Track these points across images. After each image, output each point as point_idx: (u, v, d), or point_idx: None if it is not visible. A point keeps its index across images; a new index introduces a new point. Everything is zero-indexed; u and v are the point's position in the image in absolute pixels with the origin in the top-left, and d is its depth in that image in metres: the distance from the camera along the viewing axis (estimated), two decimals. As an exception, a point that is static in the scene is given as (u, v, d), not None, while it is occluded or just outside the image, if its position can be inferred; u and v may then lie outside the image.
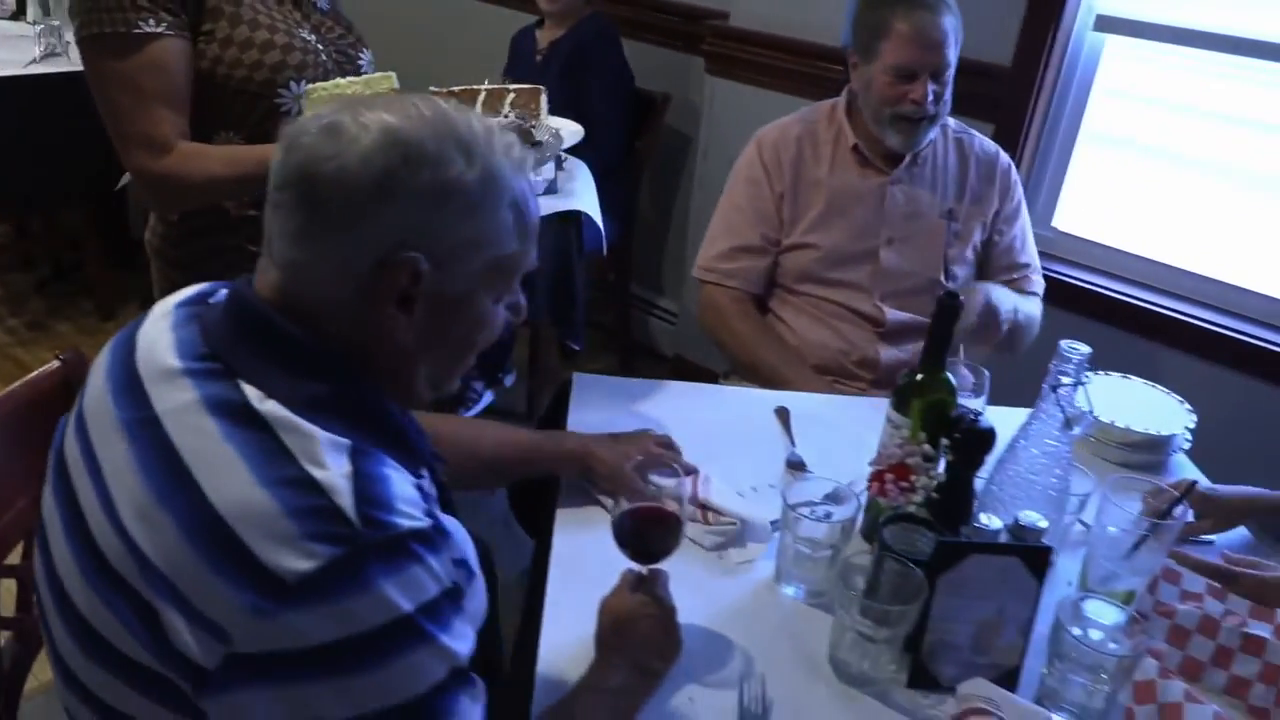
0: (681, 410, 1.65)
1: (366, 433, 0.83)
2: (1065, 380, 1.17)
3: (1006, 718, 1.03)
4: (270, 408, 0.80)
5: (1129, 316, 2.47)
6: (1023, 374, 1.67)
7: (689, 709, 1.09)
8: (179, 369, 0.83)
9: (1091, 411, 1.52)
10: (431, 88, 1.64)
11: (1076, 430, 1.22)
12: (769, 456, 1.56)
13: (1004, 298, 1.79)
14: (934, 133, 1.88)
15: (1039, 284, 2.03)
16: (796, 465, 1.53)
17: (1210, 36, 2.30)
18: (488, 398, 2.85)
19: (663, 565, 1.10)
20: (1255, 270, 2.38)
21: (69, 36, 3.10)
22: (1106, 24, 2.45)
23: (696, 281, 2.04)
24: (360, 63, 1.70)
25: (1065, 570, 1.34)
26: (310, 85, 1.51)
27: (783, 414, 1.66)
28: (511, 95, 1.58)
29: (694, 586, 1.23)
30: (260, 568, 0.73)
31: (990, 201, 1.95)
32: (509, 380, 2.97)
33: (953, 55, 1.80)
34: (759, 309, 2.02)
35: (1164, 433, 1.60)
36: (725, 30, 2.96)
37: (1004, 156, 1.99)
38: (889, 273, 1.91)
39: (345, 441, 0.80)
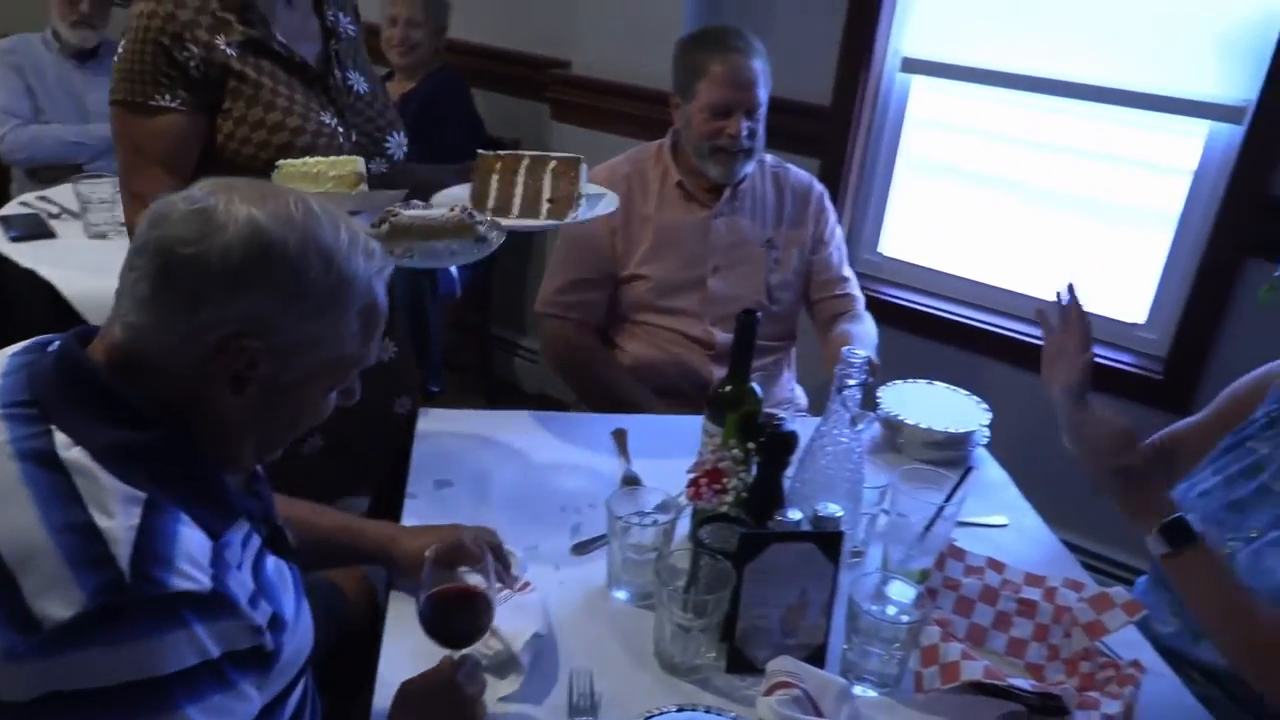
0: (526, 436, 1.74)
1: (171, 488, 0.84)
2: (850, 383, 1.30)
3: (808, 687, 1.14)
4: (74, 455, 0.82)
5: (947, 330, 2.69)
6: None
7: (521, 707, 1.16)
8: None
9: (876, 411, 1.67)
10: (479, 150, 1.68)
11: (861, 427, 1.35)
12: (608, 475, 1.65)
13: (869, 342, 1.97)
14: (750, 166, 2.03)
15: (860, 297, 2.20)
16: (631, 481, 1.62)
17: (1000, 75, 2.54)
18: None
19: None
20: (1052, 280, 2.62)
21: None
22: (911, 65, 2.68)
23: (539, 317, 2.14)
24: (387, 146, 1.75)
25: (875, 558, 1.47)
26: (281, 161, 1.57)
27: (620, 435, 1.76)
28: (553, 164, 1.65)
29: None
30: (24, 610, 0.75)
31: (806, 227, 2.11)
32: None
33: (763, 95, 1.97)
34: (600, 339, 2.12)
35: (963, 430, 1.76)
36: (567, 79, 3.10)
37: (817, 185, 2.16)
38: (717, 298, 2.04)
39: (141, 495, 0.82)
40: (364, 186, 1.62)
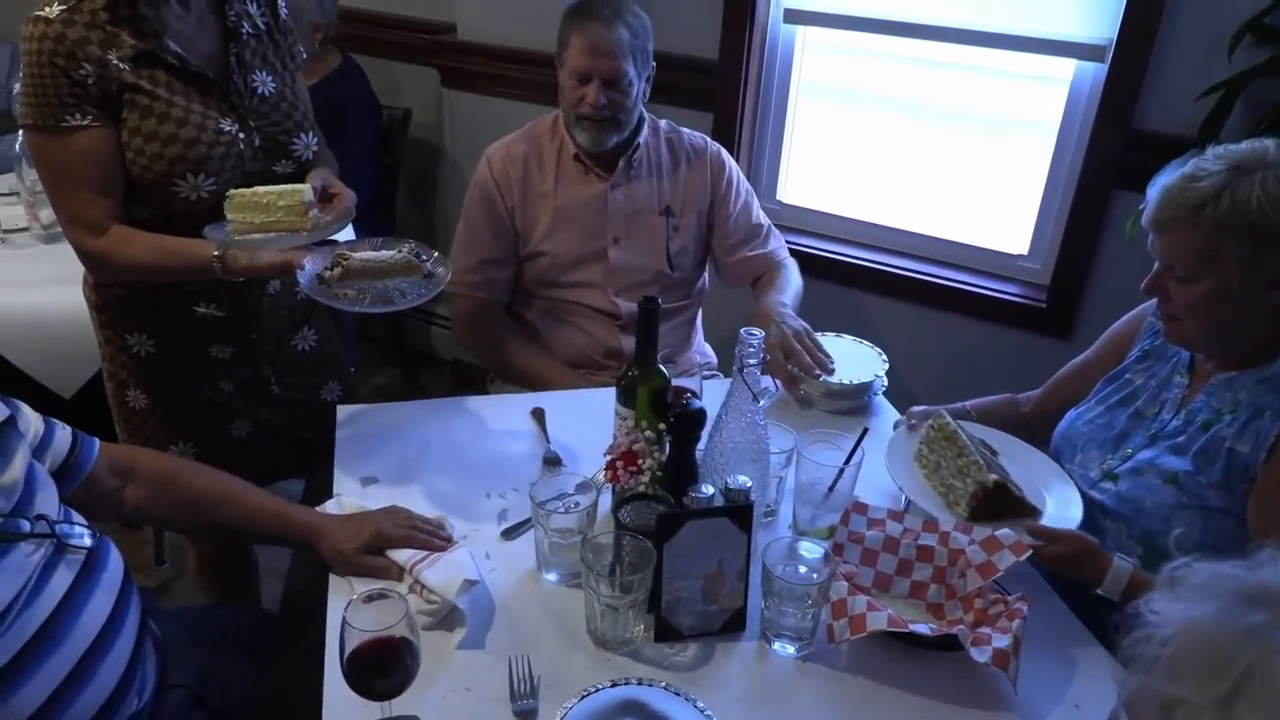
0: (446, 424, 1.79)
1: None
2: (750, 362, 1.38)
3: None
4: None
5: (847, 273, 2.79)
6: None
7: (465, 699, 1.23)
8: None
9: (776, 386, 1.76)
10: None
11: (764, 402, 1.43)
12: (529, 456, 1.71)
13: (786, 313, 1.95)
14: (619, 137, 2.03)
15: (779, 240, 2.27)
16: (553, 461, 1.68)
17: (879, 22, 2.61)
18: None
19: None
20: (944, 221, 2.75)
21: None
22: (794, 16, 2.72)
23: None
24: (294, 148, 1.73)
25: (787, 515, 1.56)
26: (232, 190, 1.59)
27: (538, 414, 1.81)
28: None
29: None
30: None
31: (704, 189, 2.16)
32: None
33: (629, 67, 1.96)
34: (509, 315, 2.16)
35: (863, 380, 1.86)
36: (454, 44, 3.06)
37: (712, 145, 2.20)
38: (619, 269, 2.09)
39: None
40: (314, 212, 1.63)
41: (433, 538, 1.41)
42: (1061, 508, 1.49)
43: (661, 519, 1.28)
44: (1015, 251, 2.67)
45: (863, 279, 2.79)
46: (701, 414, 1.41)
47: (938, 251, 2.76)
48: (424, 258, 1.62)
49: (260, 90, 1.68)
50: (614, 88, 1.96)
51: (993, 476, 1.44)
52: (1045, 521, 1.45)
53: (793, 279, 2.18)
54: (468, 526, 1.52)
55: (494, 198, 2.08)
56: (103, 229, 1.59)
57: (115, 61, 1.52)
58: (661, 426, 1.42)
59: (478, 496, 1.60)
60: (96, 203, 1.57)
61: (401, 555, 1.38)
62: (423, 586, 1.35)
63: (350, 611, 1.09)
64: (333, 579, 1.40)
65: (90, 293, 1.77)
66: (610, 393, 1.57)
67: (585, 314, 2.10)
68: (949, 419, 1.54)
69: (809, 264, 2.80)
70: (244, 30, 1.67)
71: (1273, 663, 0.65)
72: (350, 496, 1.55)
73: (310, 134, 1.76)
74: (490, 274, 2.11)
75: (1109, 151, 2.37)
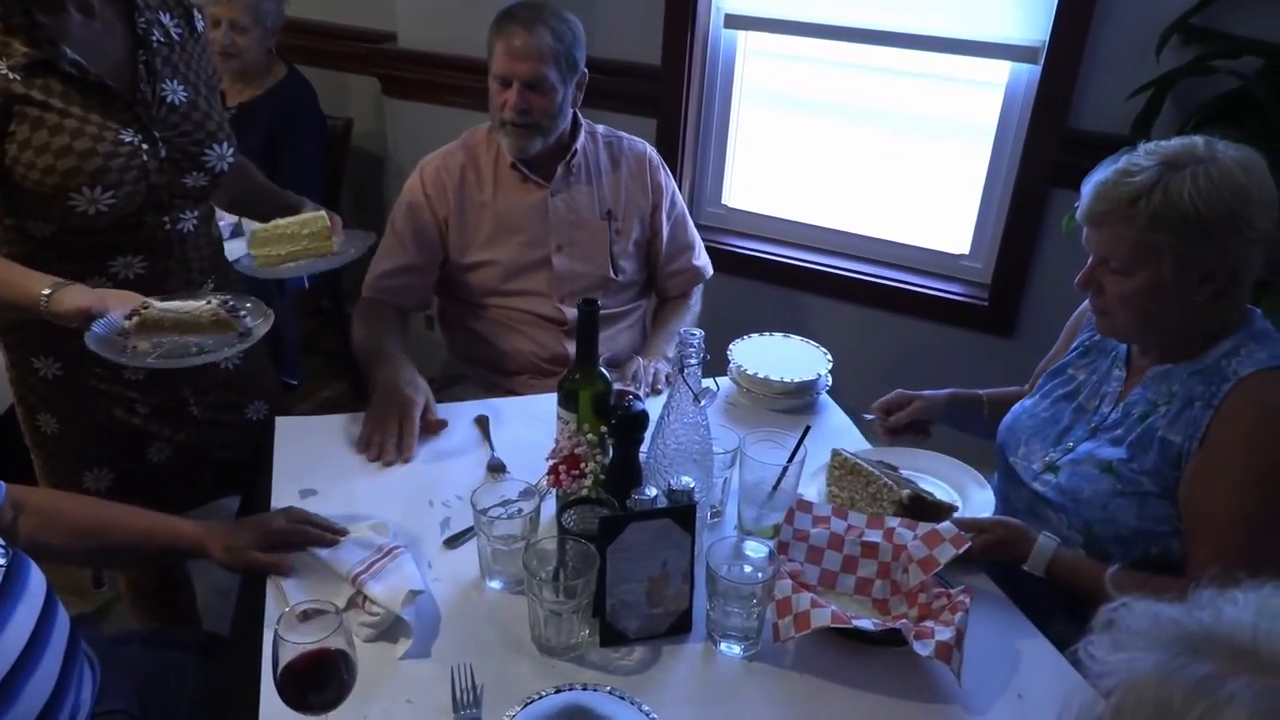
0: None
1: None
2: (691, 362, 1.37)
3: None
4: None
5: (791, 275, 2.81)
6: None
7: (408, 711, 1.20)
8: None
9: (729, 366, 1.76)
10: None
11: (705, 403, 1.42)
12: (472, 464, 1.69)
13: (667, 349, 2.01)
14: (543, 143, 2.01)
15: (703, 258, 2.28)
16: (497, 468, 1.67)
17: (818, 27, 2.63)
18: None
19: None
20: (886, 222, 2.78)
21: None
22: (734, 21, 2.74)
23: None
24: (206, 159, 1.65)
25: (733, 515, 1.56)
26: (257, 227, 1.56)
27: (482, 422, 1.80)
28: None
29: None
30: None
31: (646, 194, 2.15)
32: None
33: (550, 71, 1.94)
34: (442, 324, 2.18)
35: (807, 379, 1.87)
36: (395, 53, 3.04)
37: (651, 151, 2.19)
38: (563, 276, 2.08)
39: None
40: (339, 235, 1.59)
41: (325, 534, 1.41)
42: (975, 495, 1.59)
43: (604, 522, 1.27)
44: (957, 251, 2.71)
45: (807, 281, 2.81)
46: (644, 416, 1.41)
47: (880, 253, 2.79)
48: (240, 311, 1.52)
49: (170, 99, 1.62)
50: (536, 91, 1.94)
51: (905, 491, 1.47)
52: (966, 513, 1.52)
53: (693, 311, 2.23)
54: (410, 536, 1.50)
55: (422, 208, 2.06)
56: None
57: (4, 71, 1.46)
58: (604, 429, 1.41)
59: (420, 505, 1.58)
60: None
61: (344, 565, 1.35)
62: (365, 598, 1.32)
63: (283, 625, 1.06)
64: (269, 597, 1.36)
65: None
66: (554, 399, 1.56)
67: (531, 321, 2.09)
68: (845, 452, 1.57)
69: (753, 267, 2.83)
70: (154, 38, 1.61)
71: (1221, 715, 0.63)
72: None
73: (225, 144, 1.69)
74: (408, 280, 2.08)
75: (1045, 151, 2.41)
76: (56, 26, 1.50)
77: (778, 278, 2.81)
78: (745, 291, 2.54)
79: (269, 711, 1.15)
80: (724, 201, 2.97)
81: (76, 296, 1.46)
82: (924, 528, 1.38)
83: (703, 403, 1.38)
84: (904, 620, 1.28)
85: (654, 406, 1.46)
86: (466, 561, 1.46)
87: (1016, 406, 1.70)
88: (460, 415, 1.83)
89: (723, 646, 1.32)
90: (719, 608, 1.31)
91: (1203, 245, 1.33)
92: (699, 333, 1.38)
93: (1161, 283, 1.37)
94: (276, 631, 1.06)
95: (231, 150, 1.70)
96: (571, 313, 2.07)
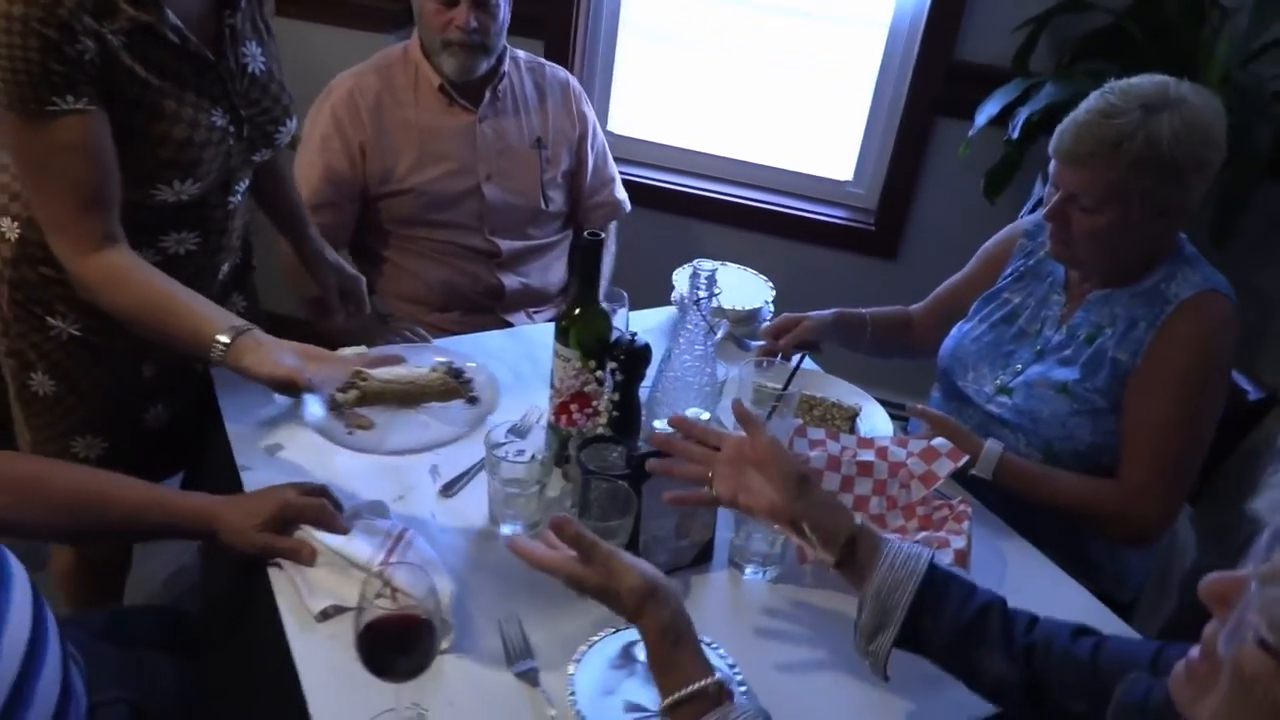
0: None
1: None
2: (702, 295, 1.37)
3: None
4: None
5: (678, 201, 2.82)
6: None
7: (457, 665, 1.16)
8: None
9: (726, 322, 1.77)
10: None
11: (718, 335, 1.43)
12: (445, 409, 1.61)
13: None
14: (487, 63, 1.94)
15: (622, 191, 2.25)
16: (472, 400, 1.59)
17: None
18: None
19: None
20: (772, 149, 2.83)
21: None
22: (622, -61, 2.68)
23: None
24: (277, 139, 1.45)
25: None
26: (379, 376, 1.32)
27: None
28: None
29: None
30: None
31: (573, 124, 2.10)
32: None
33: None
34: (363, 254, 2.04)
35: (752, 306, 1.90)
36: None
37: (573, 80, 2.13)
38: (494, 207, 2.00)
39: None
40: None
41: (337, 519, 1.25)
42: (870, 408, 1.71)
43: (639, 459, 1.26)
44: (842, 178, 2.80)
45: (694, 206, 2.83)
46: (648, 350, 1.39)
47: (767, 179, 2.85)
48: (465, 375, 1.39)
49: (250, 68, 1.41)
50: (483, 9, 1.85)
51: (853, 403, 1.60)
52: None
53: (612, 253, 2.20)
54: (401, 487, 1.42)
55: (333, 136, 1.91)
56: (90, 246, 1.30)
57: (109, 36, 1.23)
58: (612, 366, 1.38)
59: (402, 454, 1.49)
60: (87, 213, 1.28)
61: (361, 554, 1.24)
62: (394, 589, 1.22)
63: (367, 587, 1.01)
64: (273, 575, 1.26)
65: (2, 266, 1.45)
66: (504, 334, 1.51)
67: (460, 254, 2.00)
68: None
69: (641, 193, 2.81)
70: None
71: None
72: (259, 468, 1.41)
73: (293, 120, 1.51)
74: (321, 219, 1.88)
75: (930, 81, 2.52)
76: None
77: (664, 204, 2.82)
78: (633, 219, 2.52)
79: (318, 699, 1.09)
80: (610, 127, 2.92)
81: (270, 356, 1.24)
82: (917, 444, 1.45)
83: (717, 334, 1.38)
84: (925, 533, 1.35)
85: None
86: (469, 508, 1.41)
87: (956, 331, 1.79)
88: (416, 358, 1.72)
89: (748, 572, 1.35)
90: (743, 534, 1.34)
91: (1172, 186, 1.43)
92: (712, 265, 1.38)
93: (1129, 220, 1.46)
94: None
95: (295, 125, 1.52)
96: (507, 245, 2.00)
